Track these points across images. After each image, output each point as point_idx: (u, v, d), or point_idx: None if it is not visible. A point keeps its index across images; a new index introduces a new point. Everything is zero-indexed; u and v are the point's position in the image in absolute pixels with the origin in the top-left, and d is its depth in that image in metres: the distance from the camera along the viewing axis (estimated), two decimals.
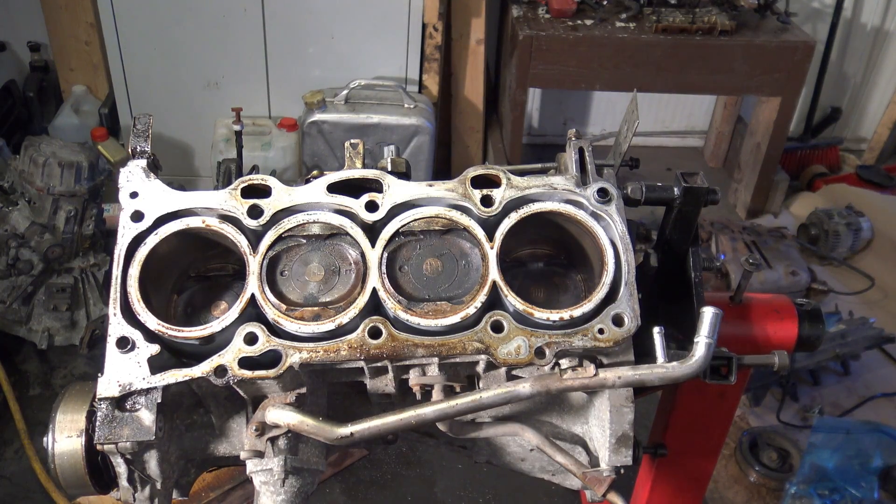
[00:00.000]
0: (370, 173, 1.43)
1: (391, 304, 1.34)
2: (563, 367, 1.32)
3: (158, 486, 1.37)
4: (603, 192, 1.41)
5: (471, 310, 1.34)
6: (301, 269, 1.42)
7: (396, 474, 3.06)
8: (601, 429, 1.43)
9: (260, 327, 1.32)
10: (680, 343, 1.56)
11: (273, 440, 1.35)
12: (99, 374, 1.30)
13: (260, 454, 1.34)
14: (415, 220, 1.40)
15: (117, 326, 1.31)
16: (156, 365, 1.31)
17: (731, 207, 4.98)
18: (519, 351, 1.33)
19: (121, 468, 1.33)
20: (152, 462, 1.34)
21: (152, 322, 1.31)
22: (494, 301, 1.37)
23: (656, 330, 1.32)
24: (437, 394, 1.35)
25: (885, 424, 2.98)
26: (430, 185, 1.41)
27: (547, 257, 1.55)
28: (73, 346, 3.46)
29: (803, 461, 2.86)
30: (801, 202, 4.85)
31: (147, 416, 1.29)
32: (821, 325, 1.77)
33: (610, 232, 1.40)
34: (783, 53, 4.08)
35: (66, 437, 1.34)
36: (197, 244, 1.46)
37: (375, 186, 1.42)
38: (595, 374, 1.30)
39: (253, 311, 1.36)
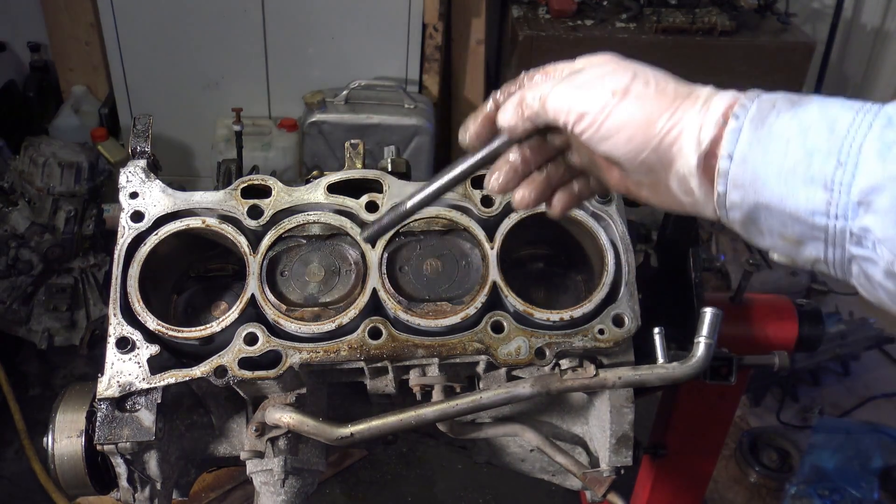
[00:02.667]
0: (370, 173, 1.43)
1: (391, 305, 1.34)
2: (563, 367, 1.32)
3: (158, 486, 1.37)
4: None
5: (471, 310, 1.34)
6: (301, 270, 1.42)
7: (396, 474, 3.05)
8: (601, 429, 1.43)
9: (260, 328, 1.32)
10: (680, 343, 1.56)
11: (273, 440, 1.35)
12: (99, 375, 1.30)
13: (260, 454, 1.34)
14: (415, 220, 1.40)
15: (117, 326, 1.31)
16: (156, 365, 1.31)
17: None
18: (519, 351, 1.33)
19: (121, 468, 1.32)
20: (152, 462, 1.34)
21: (152, 322, 1.31)
22: (495, 301, 1.37)
23: (656, 330, 1.32)
24: (437, 394, 1.34)
25: (885, 425, 2.98)
26: None
27: (547, 258, 1.55)
28: (73, 346, 3.45)
29: (803, 461, 2.86)
30: None
31: (147, 417, 1.29)
32: (821, 326, 1.77)
33: (610, 232, 1.40)
34: (783, 53, 4.08)
35: (66, 438, 1.34)
36: (197, 244, 1.46)
37: (375, 187, 1.42)
38: (595, 375, 1.30)
39: (253, 312, 1.36)
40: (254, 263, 1.37)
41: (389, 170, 1.49)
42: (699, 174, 0.78)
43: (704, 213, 0.82)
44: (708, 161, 0.77)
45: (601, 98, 0.80)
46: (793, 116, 0.73)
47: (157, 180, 1.41)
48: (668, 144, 0.78)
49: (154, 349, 1.30)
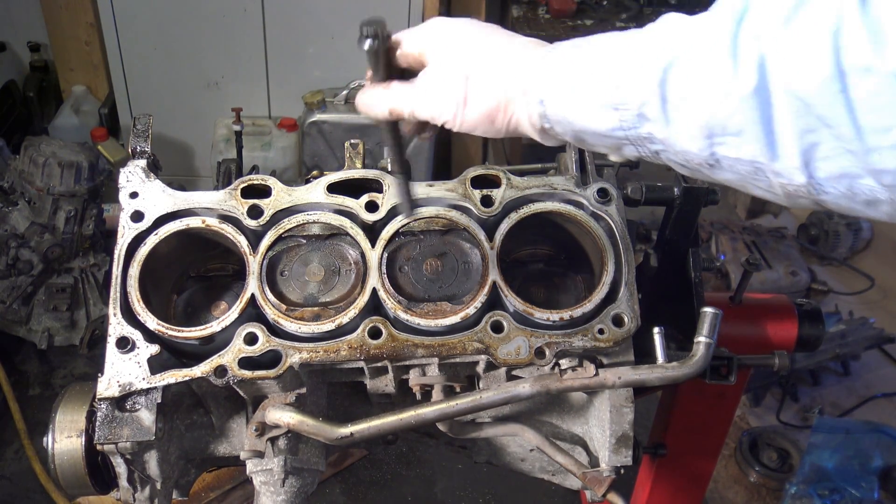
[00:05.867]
0: (370, 173, 1.43)
1: (391, 305, 1.34)
2: (563, 367, 1.32)
3: (158, 486, 1.37)
4: (603, 193, 1.41)
5: (471, 310, 1.34)
6: (301, 269, 1.42)
7: (396, 474, 3.05)
8: (601, 429, 1.43)
9: (260, 327, 1.32)
10: (680, 343, 1.56)
11: (273, 440, 1.35)
12: (99, 374, 1.30)
13: (260, 454, 1.34)
14: (415, 220, 1.40)
15: (117, 326, 1.31)
16: (156, 365, 1.31)
17: (731, 207, 4.97)
18: (519, 351, 1.33)
19: (121, 468, 1.33)
20: (152, 462, 1.34)
21: (152, 322, 1.31)
22: (494, 301, 1.37)
23: (656, 330, 1.32)
24: (437, 394, 1.35)
25: (885, 424, 2.98)
26: (430, 185, 1.41)
27: (547, 257, 1.55)
28: (73, 346, 3.46)
29: (803, 461, 2.86)
30: None
31: (147, 416, 1.29)
32: (821, 325, 1.77)
33: (610, 232, 1.40)
34: None
35: (66, 437, 1.34)
36: (197, 244, 1.46)
37: (375, 186, 1.42)
38: (595, 375, 1.30)
39: (253, 312, 1.36)
40: (254, 263, 1.37)
41: (389, 169, 1.49)
42: (532, 123, 1.00)
43: (549, 143, 1.05)
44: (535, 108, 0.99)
45: (451, 108, 1.04)
46: (577, 58, 0.94)
47: (157, 180, 1.41)
48: (511, 126, 1.03)
49: (154, 349, 1.30)
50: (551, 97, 0.96)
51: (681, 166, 0.91)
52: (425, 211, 1.40)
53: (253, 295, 1.35)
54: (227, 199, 1.39)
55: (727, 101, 0.78)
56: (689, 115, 0.83)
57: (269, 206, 1.39)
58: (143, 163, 1.42)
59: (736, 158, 0.82)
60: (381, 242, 1.38)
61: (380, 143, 3.87)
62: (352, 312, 1.33)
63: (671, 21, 0.89)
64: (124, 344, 1.30)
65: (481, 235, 1.39)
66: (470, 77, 1.03)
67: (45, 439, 1.35)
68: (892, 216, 0.78)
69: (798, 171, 0.78)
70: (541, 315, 1.34)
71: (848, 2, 0.71)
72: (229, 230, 1.38)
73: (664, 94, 0.84)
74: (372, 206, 1.39)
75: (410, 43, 1.09)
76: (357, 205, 1.39)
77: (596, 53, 0.93)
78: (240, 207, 1.39)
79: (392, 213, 1.40)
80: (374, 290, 1.35)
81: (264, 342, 1.31)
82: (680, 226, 1.60)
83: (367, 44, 1.04)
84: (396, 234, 1.40)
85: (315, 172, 1.53)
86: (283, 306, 1.35)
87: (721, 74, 0.79)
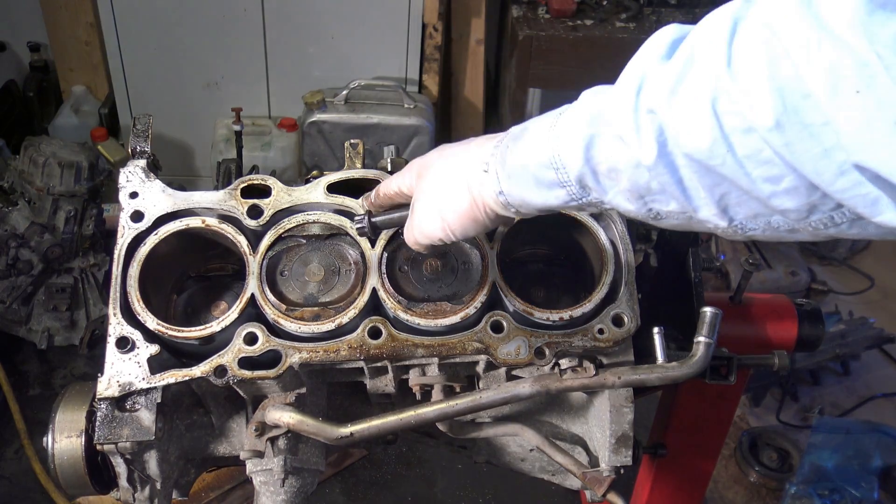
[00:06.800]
0: (370, 173, 1.43)
1: (391, 305, 1.34)
2: (562, 367, 1.32)
3: (158, 486, 1.37)
4: None
5: (471, 310, 1.34)
6: (301, 269, 1.42)
7: (396, 474, 3.05)
8: (601, 429, 1.43)
9: (260, 327, 1.32)
10: (680, 343, 1.56)
11: (273, 440, 1.35)
12: (99, 374, 1.30)
13: (260, 454, 1.34)
14: None
15: (117, 326, 1.31)
16: (155, 365, 1.31)
17: None
18: (519, 351, 1.33)
19: (121, 468, 1.33)
20: (152, 462, 1.34)
21: (152, 322, 1.31)
22: (494, 301, 1.37)
23: (656, 330, 1.32)
24: (436, 394, 1.35)
25: (885, 424, 2.98)
26: None
27: (547, 258, 1.55)
28: (73, 346, 3.45)
29: (803, 461, 2.85)
30: None
31: (147, 416, 1.29)
32: (821, 325, 1.77)
33: (610, 232, 1.40)
34: None
35: (66, 437, 1.34)
36: (197, 244, 1.46)
37: (375, 186, 1.42)
38: (595, 375, 1.30)
39: (253, 311, 1.36)
40: (253, 263, 1.37)
41: (389, 170, 1.49)
42: (504, 209, 1.08)
43: (529, 217, 1.13)
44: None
45: (437, 228, 1.14)
46: (520, 148, 1.01)
47: (157, 180, 1.41)
48: (492, 215, 1.10)
49: (154, 349, 1.30)
50: (506, 188, 1.04)
51: (632, 218, 0.98)
52: None
53: (253, 295, 1.35)
54: (227, 199, 1.40)
55: (640, 170, 0.85)
56: (618, 184, 0.90)
57: (269, 206, 1.39)
58: (143, 163, 1.42)
59: (669, 212, 0.89)
60: (381, 242, 1.38)
61: (379, 143, 3.88)
62: (352, 312, 1.33)
63: (589, 97, 0.95)
64: (124, 344, 1.30)
65: (481, 235, 1.39)
66: (440, 196, 1.14)
67: (45, 439, 1.35)
68: (814, 237, 0.83)
69: (718, 217, 0.85)
70: (540, 315, 1.34)
71: (719, 68, 0.75)
72: (229, 230, 1.38)
73: (593, 168, 0.92)
74: None
75: (402, 185, 1.22)
76: (357, 205, 1.39)
77: (532, 140, 1.00)
78: (240, 207, 1.39)
79: None
80: (374, 290, 1.35)
81: (264, 342, 1.31)
82: None
83: (363, 231, 1.28)
84: (397, 233, 1.40)
85: (315, 172, 1.53)
86: (283, 306, 1.35)
87: (629, 146, 0.85)
